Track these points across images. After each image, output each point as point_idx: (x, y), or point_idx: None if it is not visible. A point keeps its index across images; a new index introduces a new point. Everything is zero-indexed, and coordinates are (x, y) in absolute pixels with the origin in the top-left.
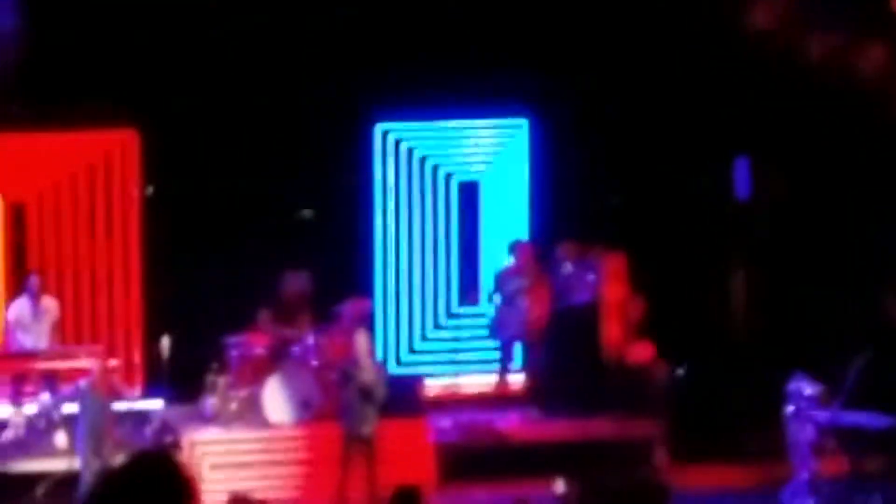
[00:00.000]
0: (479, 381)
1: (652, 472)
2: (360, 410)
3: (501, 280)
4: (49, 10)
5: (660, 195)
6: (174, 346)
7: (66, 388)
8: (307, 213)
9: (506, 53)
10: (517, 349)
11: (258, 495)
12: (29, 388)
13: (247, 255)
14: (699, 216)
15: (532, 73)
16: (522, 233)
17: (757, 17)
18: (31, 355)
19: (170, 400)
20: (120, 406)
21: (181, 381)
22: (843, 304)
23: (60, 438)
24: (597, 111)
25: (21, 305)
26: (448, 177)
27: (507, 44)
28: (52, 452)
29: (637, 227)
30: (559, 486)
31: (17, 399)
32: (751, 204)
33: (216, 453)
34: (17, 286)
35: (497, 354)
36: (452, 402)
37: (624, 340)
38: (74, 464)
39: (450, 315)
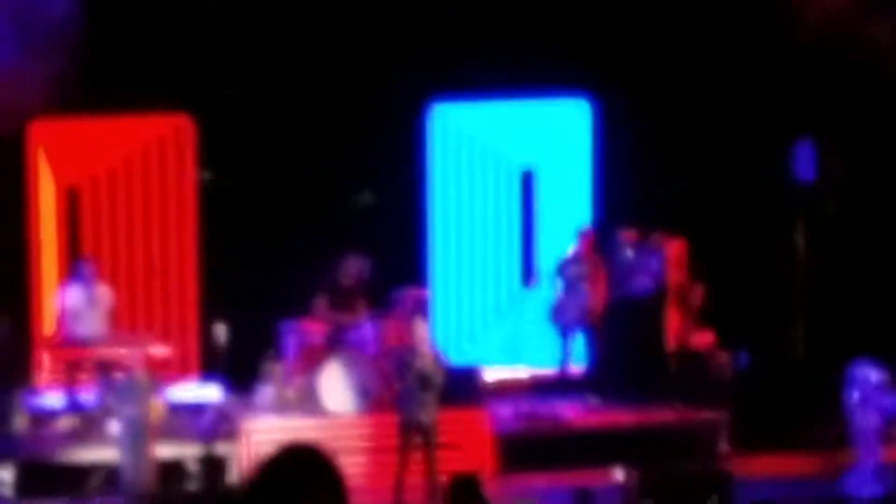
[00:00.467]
0: (539, 369)
1: (714, 460)
2: (417, 398)
3: (562, 266)
4: None
5: (721, 179)
6: (230, 334)
7: (112, 378)
8: (365, 198)
9: (565, 36)
10: (577, 336)
11: None
12: (82, 377)
13: (303, 241)
14: (761, 200)
15: (592, 55)
16: (581, 217)
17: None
18: (85, 343)
19: (225, 388)
20: (177, 395)
21: (237, 368)
22: None
23: (114, 428)
24: (657, 94)
25: (75, 292)
26: (506, 159)
27: (566, 26)
28: (106, 442)
29: (698, 211)
30: (620, 474)
31: (70, 387)
32: (813, 187)
33: (272, 441)
34: (72, 272)
35: (557, 342)
36: (512, 391)
37: (684, 327)
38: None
39: (509, 302)
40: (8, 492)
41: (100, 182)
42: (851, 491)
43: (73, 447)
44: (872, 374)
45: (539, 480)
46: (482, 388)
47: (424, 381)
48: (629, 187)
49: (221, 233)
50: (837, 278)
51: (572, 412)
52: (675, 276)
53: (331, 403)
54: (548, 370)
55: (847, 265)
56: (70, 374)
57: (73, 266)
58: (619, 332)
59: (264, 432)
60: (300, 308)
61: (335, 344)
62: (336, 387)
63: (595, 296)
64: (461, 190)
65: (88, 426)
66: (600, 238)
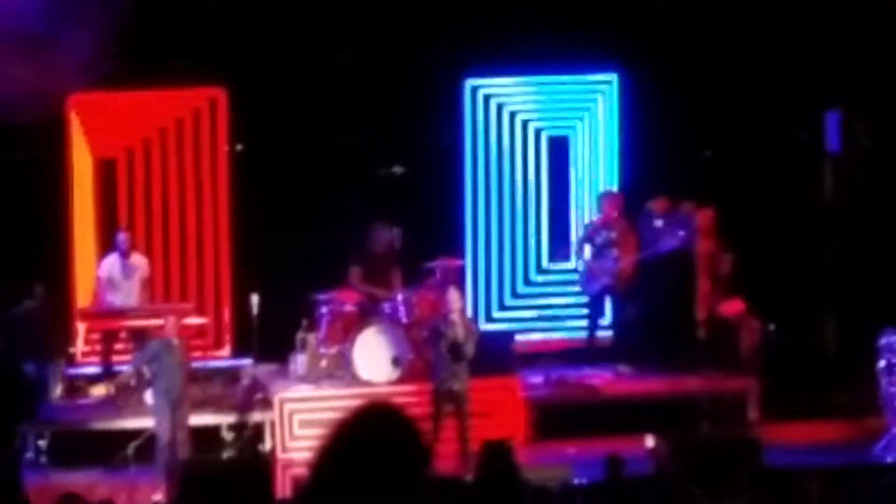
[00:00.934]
0: (570, 337)
1: (743, 427)
2: (450, 367)
3: (590, 232)
4: None
5: (750, 149)
6: (264, 304)
7: (147, 347)
8: (397, 169)
9: (595, 8)
10: (607, 303)
11: None
12: (119, 346)
13: (336, 211)
14: (790, 170)
15: (622, 26)
16: (612, 188)
17: None
18: (121, 313)
19: (259, 358)
20: (212, 364)
21: (271, 338)
22: None
23: (149, 397)
24: (686, 65)
25: (111, 263)
26: (538, 132)
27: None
28: (143, 410)
29: (727, 181)
30: (650, 441)
31: (107, 357)
32: (842, 157)
33: (306, 411)
34: (107, 243)
35: (587, 310)
36: (543, 358)
37: (714, 296)
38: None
39: (540, 271)
40: (44, 459)
41: (135, 153)
42: (880, 458)
43: (109, 416)
44: None
45: (570, 447)
46: (514, 357)
47: (456, 351)
48: (660, 157)
49: (255, 204)
50: (867, 247)
51: (603, 380)
52: (705, 244)
53: (364, 373)
54: (579, 338)
55: (877, 234)
56: (106, 343)
57: (110, 237)
58: (649, 299)
59: (298, 401)
60: (334, 278)
61: (369, 314)
62: (370, 356)
63: (625, 261)
64: (491, 160)
65: (123, 395)
66: (630, 208)
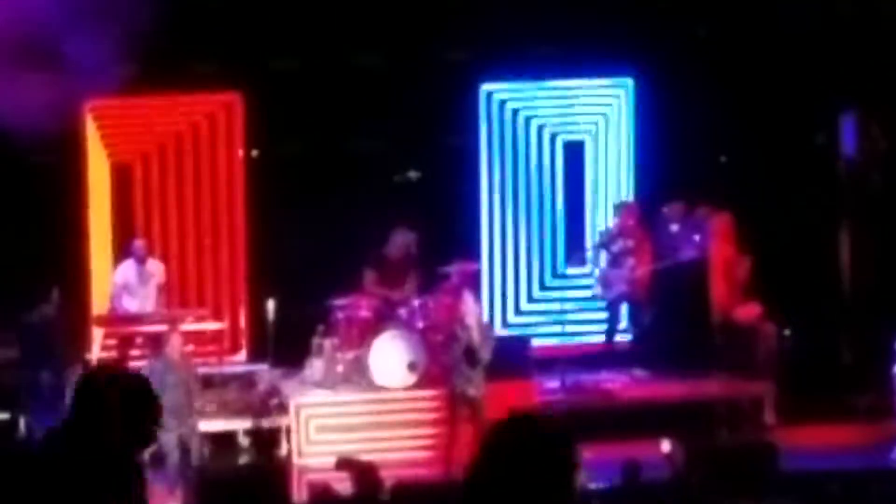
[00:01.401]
0: (586, 342)
1: (760, 432)
2: (466, 372)
3: (606, 240)
4: None
5: (766, 154)
6: (280, 309)
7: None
8: (413, 174)
9: (611, 13)
10: (623, 309)
11: (365, 458)
12: (135, 352)
13: (352, 217)
14: (806, 174)
15: (637, 32)
16: (628, 193)
17: None
18: (137, 319)
19: (275, 363)
20: (229, 369)
21: (287, 343)
22: None
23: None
24: (701, 70)
25: (127, 269)
26: (553, 137)
27: (612, 3)
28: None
29: (744, 186)
30: (666, 446)
31: (123, 363)
32: (858, 161)
33: (322, 416)
34: (123, 248)
35: (603, 315)
36: (559, 363)
37: (731, 300)
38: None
39: (556, 276)
40: None
41: (151, 158)
42: None
43: None
44: None
45: (586, 452)
46: (530, 360)
47: (472, 355)
48: (676, 162)
49: (271, 209)
50: (883, 251)
51: (619, 384)
52: (723, 249)
53: (380, 378)
54: (595, 343)
55: (893, 237)
56: (122, 349)
57: (126, 242)
58: (665, 304)
59: (314, 406)
60: (350, 283)
61: (384, 318)
62: (386, 361)
63: (641, 269)
64: (507, 165)
65: None
66: (646, 213)
